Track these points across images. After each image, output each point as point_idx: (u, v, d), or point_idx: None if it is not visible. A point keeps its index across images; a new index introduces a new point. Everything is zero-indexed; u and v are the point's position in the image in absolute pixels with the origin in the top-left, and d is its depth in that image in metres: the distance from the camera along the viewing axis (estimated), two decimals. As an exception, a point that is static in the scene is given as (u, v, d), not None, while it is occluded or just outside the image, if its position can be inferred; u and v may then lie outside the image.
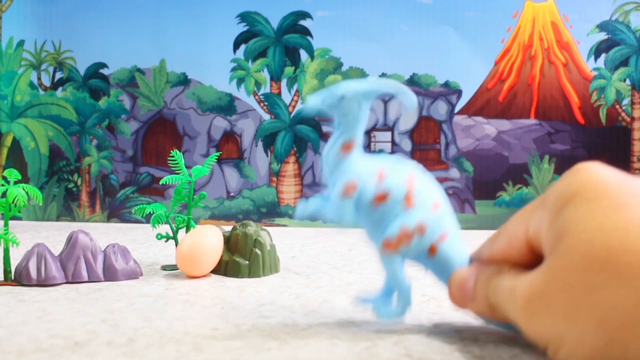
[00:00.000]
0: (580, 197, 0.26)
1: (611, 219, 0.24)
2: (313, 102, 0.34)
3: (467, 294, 0.32)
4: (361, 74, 0.98)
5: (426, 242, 0.33)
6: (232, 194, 1.00)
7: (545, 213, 0.27)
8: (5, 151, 1.02)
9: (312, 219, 0.35)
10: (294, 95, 0.99)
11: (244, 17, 0.99)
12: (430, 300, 0.42)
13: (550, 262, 0.26)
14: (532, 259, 0.29)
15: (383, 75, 0.97)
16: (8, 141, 1.02)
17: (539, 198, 0.29)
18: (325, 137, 0.98)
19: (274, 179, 1.00)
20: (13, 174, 0.46)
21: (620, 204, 0.25)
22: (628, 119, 0.95)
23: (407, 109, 0.34)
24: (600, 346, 0.24)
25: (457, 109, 0.97)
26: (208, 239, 0.49)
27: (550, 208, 0.27)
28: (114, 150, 1.01)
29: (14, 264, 0.47)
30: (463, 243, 0.35)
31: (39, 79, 1.02)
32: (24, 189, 0.45)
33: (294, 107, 0.99)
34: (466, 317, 0.37)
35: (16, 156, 1.02)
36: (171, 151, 0.53)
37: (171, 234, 0.54)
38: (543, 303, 0.26)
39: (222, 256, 0.51)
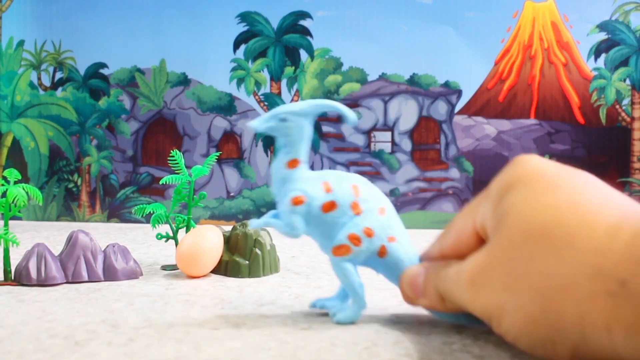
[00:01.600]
0: (519, 184, 0.28)
1: (545, 198, 0.27)
2: (255, 124, 0.36)
3: (417, 289, 0.34)
4: (361, 74, 0.98)
5: (375, 245, 0.35)
6: (232, 194, 1.00)
7: (489, 203, 0.30)
8: (5, 151, 1.02)
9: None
10: (294, 95, 0.99)
11: (244, 17, 0.99)
12: (430, 300, 0.42)
13: (492, 241, 0.29)
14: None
15: (383, 75, 0.97)
16: (8, 141, 1.02)
17: (483, 192, 0.31)
18: (325, 137, 0.99)
19: (274, 179, 1.00)
20: (13, 174, 0.46)
21: (553, 186, 0.27)
22: (628, 119, 0.95)
23: (349, 124, 0.36)
24: (538, 312, 0.26)
25: (457, 109, 0.97)
26: (208, 239, 0.49)
27: (493, 197, 0.29)
28: (114, 150, 1.01)
29: (14, 263, 0.47)
30: (411, 245, 0.37)
31: (39, 79, 1.02)
32: (24, 189, 0.45)
33: (294, 107, 0.99)
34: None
35: (16, 156, 1.02)
36: (171, 151, 0.53)
37: (171, 234, 0.54)
38: (486, 278, 0.28)
39: (222, 256, 0.51)
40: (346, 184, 0.36)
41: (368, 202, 0.36)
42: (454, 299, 0.31)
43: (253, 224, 0.37)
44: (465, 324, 0.35)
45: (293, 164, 0.36)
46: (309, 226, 0.36)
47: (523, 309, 0.26)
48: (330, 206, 0.35)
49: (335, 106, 0.36)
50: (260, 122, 0.36)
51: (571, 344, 0.25)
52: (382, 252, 0.36)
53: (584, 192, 0.27)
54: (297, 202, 0.35)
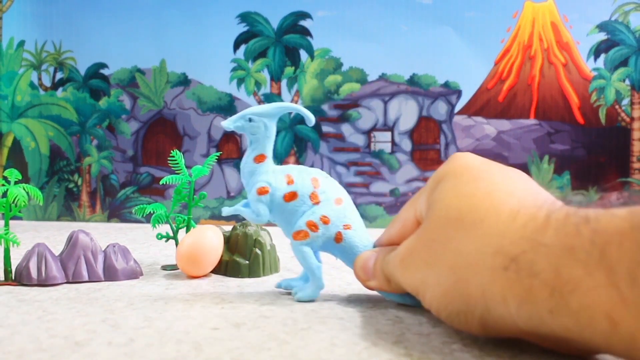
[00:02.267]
0: (447, 176, 0.32)
1: (465, 188, 0.31)
2: (226, 124, 0.41)
3: (368, 272, 0.39)
4: (361, 74, 0.98)
5: (331, 231, 0.40)
6: (232, 194, 1.00)
7: (425, 193, 0.34)
8: (5, 151, 1.02)
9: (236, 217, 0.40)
10: (294, 95, 0.99)
11: (244, 17, 0.99)
12: (430, 300, 0.42)
13: (421, 226, 0.33)
14: None
15: (383, 75, 0.97)
16: (9, 141, 1.02)
17: (424, 186, 0.36)
18: (325, 137, 0.99)
19: (274, 179, 1.00)
20: (13, 174, 0.46)
21: (474, 178, 0.31)
22: (627, 119, 0.95)
23: (308, 123, 0.42)
24: (451, 286, 0.29)
25: (457, 109, 0.97)
26: (208, 239, 0.49)
27: (428, 188, 0.34)
28: (114, 151, 1.01)
29: (14, 263, 0.47)
30: (366, 233, 0.41)
31: (40, 79, 1.02)
32: (24, 189, 0.45)
33: (294, 107, 0.99)
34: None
35: (17, 156, 1.02)
36: (171, 151, 0.53)
37: (171, 234, 0.54)
38: (412, 258, 0.33)
39: (222, 256, 0.51)
40: (307, 177, 0.41)
41: (326, 193, 0.40)
42: (394, 279, 0.36)
43: (225, 211, 0.41)
44: (409, 304, 0.39)
45: (260, 158, 0.41)
46: (273, 213, 0.41)
47: (440, 284, 0.30)
48: (291, 196, 0.40)
49: (296, 108, 0.42)
50: (230, 121, 0.41)
51: (478, 315, 0.28)
52: (338, 238, 0.40)
53: (499, 183, 0.30)
54: (261, 192, 0.40)
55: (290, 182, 0.40)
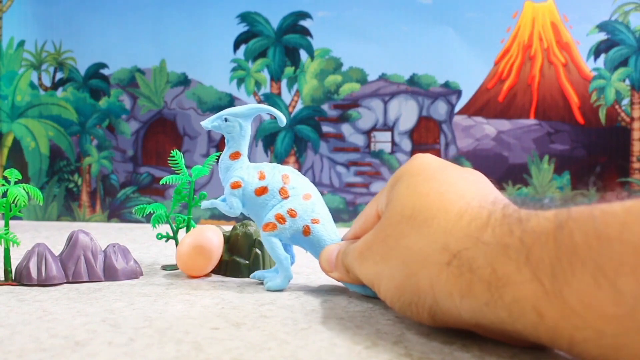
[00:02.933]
0: (405, 175, 0.34)
1: (421, 187, 0.32)
2: (204, 123, 0.44)
3: (331, 263, 0.41)
4: (361, 74, 0.98)
5: (299, 224, 0.42)
6: None
7: (385, 191, 0.36)
8: (5, 151, 1.02)
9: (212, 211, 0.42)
10: (294, 95, 0.99)
11: (244, 17, 0.99)
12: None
13: (378, 223, 0.34)
14: None
15: (383, 75, 0.97)
16: (9, 141, 1.02)
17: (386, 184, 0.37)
18: (325, 137, 0.99)
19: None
20: (13, 174, 0.46)
21: (430, 178, 0.33)
22: (627, 119, 0.95)
23: (280, 123, 0.44)
24: (403, 279, 0.31)
25: (457, 109, 0.97)
26: (208, 239, 0.49)
27: (388, 186, 0.36)
28: (115, 150, 1.01)
29: (14, 263, 0.47)
30: (334, 227, 0.44)
31: (40, 79, 1.02)
32: (24, 189, 0.45)
33: (294, 107, 0.99)
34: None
35: (17, 156, 1.02)
36: (171, 151, 0.53)
37: (171, 234, 0.54)
38: (369, 252, 0.34)
39: (222, 256, 0.51)
40: (278, 173, 0.43)
41: (295, 189, 0.43)
42: (352, 271, 0.38)
43: (204, 204, 0.45)
44: (369, 295, 0.41)
45: (235, 156, 0.44)
46: (246, 207, 0.43)
47: (393, 277, 0.32)
48: (262, 190, 0.43)
49: (269, 109, 0.45)
50: (208, 121, 0.44)
51: (428, 306, 0.30)
52: (306, 231, 0.42)
53: (452, 184, 0.32)
54: (235, 186, 0.43)
55: (262, 177, 0.43)
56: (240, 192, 0.43)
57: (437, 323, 0.31)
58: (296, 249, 0.47)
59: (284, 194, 0.42)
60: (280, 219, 0.42)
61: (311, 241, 0.43)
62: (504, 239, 0.27)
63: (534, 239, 0.25)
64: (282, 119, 0.44)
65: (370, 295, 0.41)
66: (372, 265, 0.34)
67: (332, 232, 0.43)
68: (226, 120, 0.44)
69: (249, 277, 0.50)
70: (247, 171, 0.43)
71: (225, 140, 0.44)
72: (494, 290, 0.26)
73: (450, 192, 0.32)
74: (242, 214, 0.45)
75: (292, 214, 0.42)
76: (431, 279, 0.29)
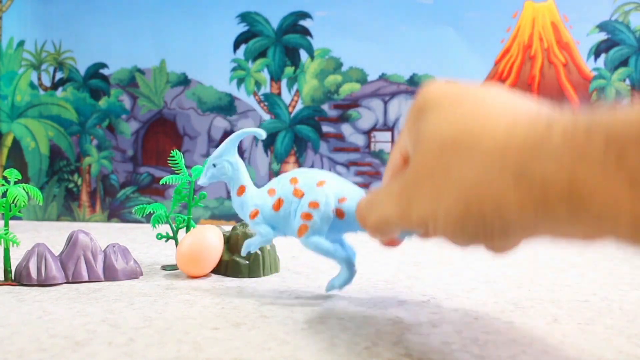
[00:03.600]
0: (427, 108, 0.32)
1: (452, 114, 0.30)
2: (201, 181, 0.44)
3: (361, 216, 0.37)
4: (361, 74, 0.98)
5: (327, 211, 0.40)
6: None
7: (407, 130, 0.34)
8: (5, 151, 1.02)
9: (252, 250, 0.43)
10: (294, 95, 0.99)
11: (244, 17, 0.99)
12: (430, 300, 0.42)
13: (414, 160, 0.32)
14: None
15: (383, 75, 0.97)
16: (8, 141, 1.02)
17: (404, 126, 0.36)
18: (325, 137, 0.99)
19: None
20: (13, 174, 0.46)
21: (457, 103, 0.31)
22: (628, 119, 0.95)
23: (259, 137, 0.44)
24: (464, 212, 0.29)
25: (457, 109, 0.97)
26: (208, 239, 0.49)
27: (409, 125, 0.33)
28: (114, 150, 1.01)
29: (14, 263, 0.47)
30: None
31: (39, 79, 1.02)
32: (24, 189, 0.45)
33: (294, 107, 0.99)
34: (466, 317, 0.37)
35: (16, 156, 1.02)
36: (171, 151, 0.53)
37: (171, 234, 0.54)
38: (414, 192, 0.32)
39: (222, 256, 0.51)
40: (285, 181, 0.42)
41: (306, 184, 0.41)
42: (385, 225, 0.35)
43: (243, 251, 0.43)
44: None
45: (241, 191, 0.43)
46: (276, 228, 0.42)
47: (451, 212, 0.29)
48: (278, 203, 0.41)
49: (245, 132, 0.44)
50: (203, 178, 0.44)
51: (498, 231, 0.28)
52: (340, 214, 0.40)
53: (484, 103, 0.30)
54: (253, 215, 0.42)
55: (272, 193, 0.42)
56: (261, 218, 0.42)
57: (509, 244, 0.30)
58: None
59: (298, 194, 0.41)
60: (307, 216, 0.40)
61: (351, 220, 0.40)
62: (580, 149, 0.24)
63: (622, 144, 0.23)
64: (262, 134, 0.44)
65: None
66: (422, 206, 0.31)
67: None
68: (215, 165, 0.44)
69: (249, 277, 0.50)
70: (257, 197, 0.43)
71: (227, 183, 0.44)
72: (576, 200, 0.24)
73: (487, 111, 0.30)
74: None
75: (314, 204, 0.40)
76: (496, 200, 0.27)
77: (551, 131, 0.26)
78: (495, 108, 0.30)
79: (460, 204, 0.29)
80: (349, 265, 0.41)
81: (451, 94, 0.32)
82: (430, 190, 0.31)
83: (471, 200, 0.28)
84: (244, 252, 0.43)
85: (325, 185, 0.41)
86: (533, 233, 0.28)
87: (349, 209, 0.40)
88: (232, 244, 0.52)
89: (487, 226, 0.28)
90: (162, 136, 1.01)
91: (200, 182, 0.44)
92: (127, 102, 1.01)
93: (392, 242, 0.38)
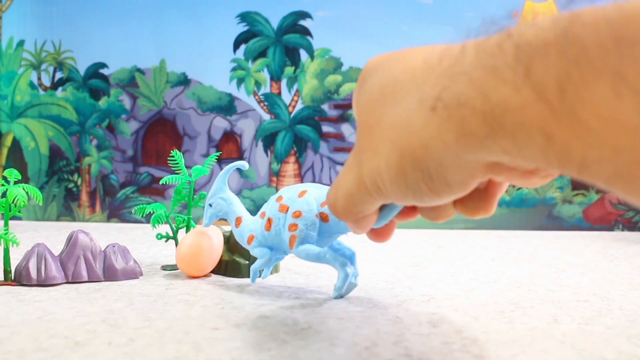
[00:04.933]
0: (365, 77, 0.32)
1: (382, 72, 0.30)
2: (204, 223, 0.47)
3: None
4: (361, 74, 0.98)
5: (311, 218, 0.42)
6: None
7: (354, 105, 0.33)
8: (5, 151, 1.02)
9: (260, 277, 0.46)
10: (294, 95, 0.99)
11: (244, 17, 0.99)
12: (430, 300, 0.42)
13: (357, 125, 0.32)
14: None
15: (383, 75, 0.97)
16: (8, 141, 1.02)
17: None
18: (325, 137, 0.98)
19: (274, 179, 1.00)
20: (13, 174, 0.46)
21: (385, 61, 0.31)
22: (628, 119, 0.95)
23: (243, 168, 0.47)
24: (399, 159, 0.28)
25: (457, 109, 0.97)
26: (208, 239, 0.49)
27: (354, 100, 0.33)
28: (114, 150, 1.01)
29: (14, 264, 0.47)
30: None
31: (39, 79, 1.02)
32: (24, 189, 0.45)
33: (294, 107, 0.99)
34: (466, 317, 0.37)
35: (16, 156, 1.02)
36: (171, 151, 0.53)
37: (171, 234, 0.54)
38: (361, 152, 0.31)
39: (222, 256, 0.51)
40: (272, 201, 0.44)
41: (289, 198, 0.43)
42: (347, 205, 0.33)
43: (251, 279, 0.46)
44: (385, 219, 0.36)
45: (238, 222, 0.46)
46: (273, 248, 0.44)
47: (389, 162, 0.29)
48: (269, 223, 0.43)
49: (230, 167, 0.47)
50: (204, 220, 0.47)
51: (435, 174, 0.27)
52: (324, 218, 0.42)
53: (407, 53, 0.30)
54: (250, 240, 0.45)
55: (263, 216, 0.44)
56: (257, 242, 0.44)
57: (454, 187, 0.28)
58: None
59: (283, 209, 0.43)
60: (293, 226, 0.42)
61: (336, 222, 0.42)
62: (492, 61, 0.24)
63: (531, 54, 0.22)
64: (245, 165, 0.47)
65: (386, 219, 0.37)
66: (368, 166, 0.30)
67: None
68: (211, 205, 0.47)
69: (249, 277, 0.50)
70: (252, 223, 0.45)
71: (225, 218, 0.47)
72: (490, 120, 0.24)
73: (410, 57, 0.29)
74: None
75: (297, 214, 0.42)
76: (422, 138, 0.26)
77: (465, 51, 0.25)
78: (415, 52, 0.30)
79: (394, 152, 0.28)
80: (342, 265, 0.42)
81: (386, 59, 0.32)
82: (370, 147, 0.30)
83: (403, 145, 0.28)
84: (251, 280, 0.46)
85: (306, 194, 0.43)
86: (468, 170, 0.26)
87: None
88: (232, 244, 0.52)
89: (423, 172, 0.27)
90: (162, 136, 1.01)
91: (203, 225, 0.48)
92: (127, 102, 1.01)
93: (377, 235, 0.36)
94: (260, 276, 0.47)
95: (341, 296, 0.43)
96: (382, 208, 0.35)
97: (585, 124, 0.21)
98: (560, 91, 0.22)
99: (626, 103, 0.20)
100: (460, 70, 0.25)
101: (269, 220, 0.43)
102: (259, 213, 0.45)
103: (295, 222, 0.42)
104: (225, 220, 0.47)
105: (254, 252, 0.45)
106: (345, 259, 0.42)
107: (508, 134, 0.23)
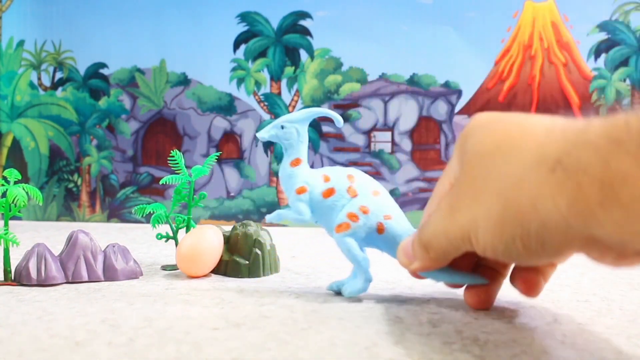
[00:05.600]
0: (473, 130, 0.33)
1: (494, 129, 0.31)
2: (261, 134, 0.43)
3: (409, 254, 0.38)
4: (361, 73, 0.98)
5: (372, 221, 0.40)
6: (232, 194, 1.00)
7: (454, 157, 0.35)
8: (5, 151, 1.02)
9: (280, 223, 0.42)
10: (294, 95, 0.99)
11: (244, 17, 0.99)
12: (430, 300, 0.42)
13: (459, 175, 0.33)
14: None
15: (383, 75, 0.97)
16: (8, 141, 1.02)
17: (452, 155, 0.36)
18: (325, 137, 0.98)
19: (274, 179, 1.00)
20: (13, 174, 0.46)
21: (498, 119, 0.32)
22: (628, 119, 0.94)
23: (337, 124, 0.44)
24: (501, 210, 0.29)
25: (457, 109, 0.97)
26: (208, 239, 0.49)
27: (456, 152, 0.35)
28: (114, 150, 1.01)
29: (14, 264, 0.47)
30: (407, 222, 0.41)
31: (39, 79, 1.02)
32: (24, 189, 0.45)
33: (294, 107, 0.99)
34: (466, 317, 0.37)
35: (16, 156, 1.02)
36: (171, 151, 0.53)
37: (171, 234, 0.54)
38: (459, 200, 0.32)
39: (222, 256, 0.51)
40: (342, 174, 0.42)
41: (362, 187, 0.41)
42: (435, 240, 0.34)
43: (268, 218, 0.43)
44: (457, 282, 0.40)
45: (296, 162, 0.42)
46: (314, 212, 0.42)
47: (489, 215, 0.30)
48: (329, 192, 0.41)
49: (324, 112, 0.43)
50: (264, 132, 0.43)
51: (534, 232, 0.28)
52: (380, 229, 0.41)
53: (523, 118, 0.31)
54: (300, 191, 0.41)
55: (326, 179, 0.41)
56: (307, 197, 0.41)
57: (546, 250, 0.29)
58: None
59: (352, 192, 0.41)
60: (353, 217, 0.40)
61: (386, 239, 0.41)
62: (617, 134, 0.24)
63: None
64: (340, 120, 0.43)
65: (457, 283, 0.40)
66: (464, 214, 0.31)
67: (406, 227, 0.41)
68: (282, 127, 0.43)
69: (249, 277, 0.50)
70: (310, 176, 0.42)
71: (284, 149, 0.43)
72: (608, 189, 0.24)
73: (527, 120, 0.30)
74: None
75: (365, 210, 0.40)
76: (532, 196, 0.27)
77: (590, 123, 0.26)
78: (534, 118, 0.31)
79: (499, 204, 0.29)
80: (367, 280, 0.41)
81: (492, 117, 0.33)
82: (470, 197, 0.31)
83: (509, 198, 0.28)
84: (272, 219, 0.43)
85: (379, 197, 0.41)
86: (568, 236, 0.27)
87: (390, 227, 0.40)
88: (232, 244, 0.52)
89: (524, 229, 0.28)
90: (162, 136, 1.01)
91: (258, 135, 0.43)
92: (127, 102, 1.01)
93: (417, 274, 0.39)
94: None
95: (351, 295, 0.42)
96: (451, 267, 0.37)
97: None
98: None
99: None
100: (585, 139, 0.26)
101: (331, 190, 0.41)
102: (321, 172, 0.42)
103: (358, 215, 0.40)
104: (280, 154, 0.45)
105: (296, 204, 0.41)
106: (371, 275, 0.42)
107: (623, 205, 0.24)
